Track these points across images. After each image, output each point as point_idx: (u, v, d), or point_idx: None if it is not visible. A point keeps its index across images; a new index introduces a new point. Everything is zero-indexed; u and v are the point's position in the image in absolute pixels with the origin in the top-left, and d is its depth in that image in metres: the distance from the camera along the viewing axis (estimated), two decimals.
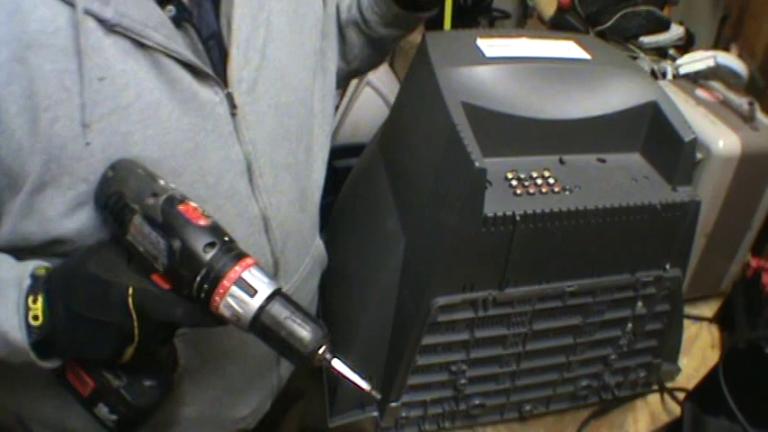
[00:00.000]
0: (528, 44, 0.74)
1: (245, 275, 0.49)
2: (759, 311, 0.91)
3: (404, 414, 0.75)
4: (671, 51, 1.38)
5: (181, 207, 0.50)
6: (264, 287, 0.49)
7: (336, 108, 1.59)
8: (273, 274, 0.67)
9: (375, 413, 0.76)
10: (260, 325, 0.49)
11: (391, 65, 1.56)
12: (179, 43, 0.55)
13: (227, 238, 0.51)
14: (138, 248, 0.50)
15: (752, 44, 1.33)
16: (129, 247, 0.51)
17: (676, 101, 0.71)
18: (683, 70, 1.18)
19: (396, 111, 0.85)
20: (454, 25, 1.79)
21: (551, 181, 0.66)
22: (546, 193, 0.64)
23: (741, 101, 0.93)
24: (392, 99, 1.47)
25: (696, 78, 1.07)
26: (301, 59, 0.70)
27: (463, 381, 0.74)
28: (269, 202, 0.65)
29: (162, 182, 0.52)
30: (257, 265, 0.50)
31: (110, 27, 0.51)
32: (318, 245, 0.82)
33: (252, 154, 0.62)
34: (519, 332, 0.71)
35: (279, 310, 0.49)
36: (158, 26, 0.53)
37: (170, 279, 0.50)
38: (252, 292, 0.49)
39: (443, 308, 0.66)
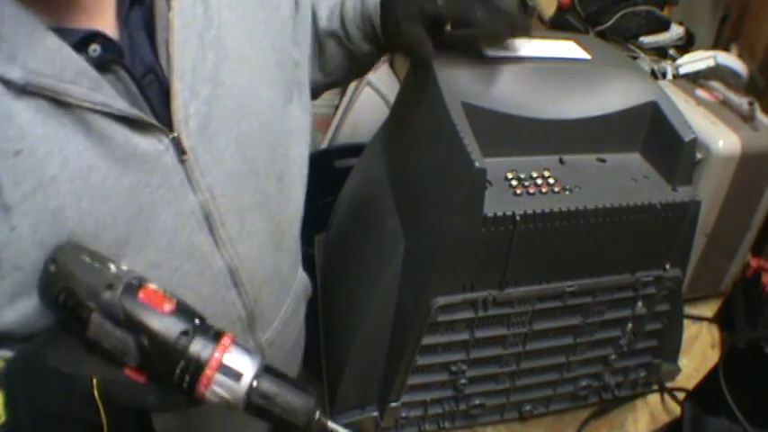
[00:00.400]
0: (528, 44, 0.74)
1: (227, 360, 0.46)
2: (759, 311, 0.91)
3: (404, 414, 0.75)
4: (671, 51, 1.38)
5: (141, 295, 0.46)
6: (248, 367, 0.47)
7: (336, 108, 1.59)
8: (248, 326, 0.63)
9: (375, 413, 0.76)
10: (251, 406, 0.47)
11: (391, 65, 1.57)
12: (107, 92, 0.47)
13: (197, 321, 0.47)
14: (102, 345, 0.45)
15: (752, 44, 1.33)
16: (91, 342, 0.46)
17: (676, 101, 0.71)
18: (683, 70, 1.19)
19: (396, 111, 0.85)
20: None
21: (551, 181, 0.66)
22: (546, 193, 0.64)
23: (741, 101, 0.93)
24: (392, 99, 1.47)
25: (696, 78, 1.07)
26: (266, 75, 0.61)
27: (463, 381, 0.74)
28: (235, 252, 0.58)
29: (113, 267, 0.46)
30: (235, 342, 0.48)
31: (20, 89, 0.44)
32: (301, 278, 0.77)
33: (210, 202, 0.55)
34: (519, 332, 0.71)
35: (267, 388, 0.47)
36: (77, 78, 0.46)
37: (145, 373, 0.46)
38: (237, 376, 0.46)
39: (443, 308, 0.66)
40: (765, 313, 0.90)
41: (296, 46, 0.67)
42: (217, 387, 0.46)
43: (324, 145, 1.63)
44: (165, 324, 0.45)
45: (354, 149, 1.07)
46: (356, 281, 0.81)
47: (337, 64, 0.75)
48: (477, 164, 0.57)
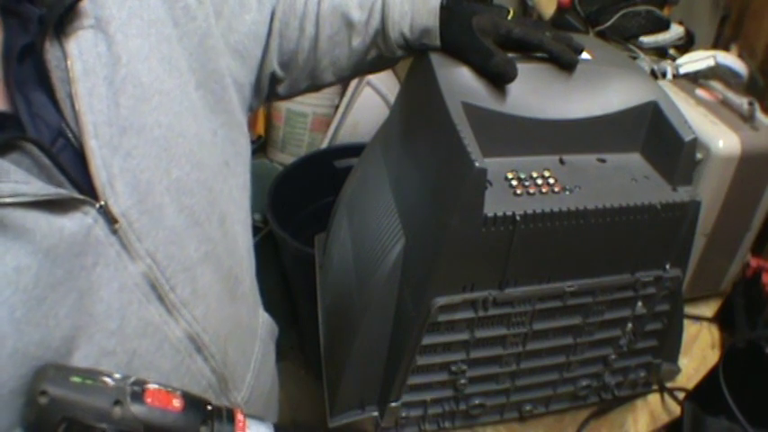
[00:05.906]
0: None
1: None
2: (759, 311, 0.91)
3: (404, 414, 0.75)
4: (671, 51, 1.38)
5: (149, 400, 0.43)
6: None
7: (336, 108, 1.59)
8: (221, 391, 0.59)
9: (375, 413, 0.76)
10: None
11: None
12: (15, 178, 0.40)
13: (209, 407, 0.46)
14: None
15: (752, 44, 1.33)
16: None
17: (676, 101, 0.71)
18: (683, 70, 1.19)
19: (396, 111, 0.85)
20: None
21: (551, 181, 0.66)
22: (546, 193, 0.64)
23: (741, 101, 0.93)
24: (392, 99, 1.47)
25: (696, 78, 1.07)
26: (189, 105, 0.54)
27: (463, 381, 0.74)
28: (192, 316, 0.53)
29: (107, 379, 0.43)
30: (244, 414, 0.48)
31: None
32: (264, 321, 0.72)
33: (153, 268, 0.49)
34: (519, 332, 0.71)
35: None
36: None
37: None
38: None
39: (443, 308, 0.66)
40: (765, 313, 0.90)
41: (221, 56, 0.59)
42: None
43: (324, 145, 1.63)
44: (185, 421, 0.44)
45: (354, 149, 1.07)
46: (356, 281, 0.81)
47: (346, 62, 0.73)
48: (477, 164, 0.57)
